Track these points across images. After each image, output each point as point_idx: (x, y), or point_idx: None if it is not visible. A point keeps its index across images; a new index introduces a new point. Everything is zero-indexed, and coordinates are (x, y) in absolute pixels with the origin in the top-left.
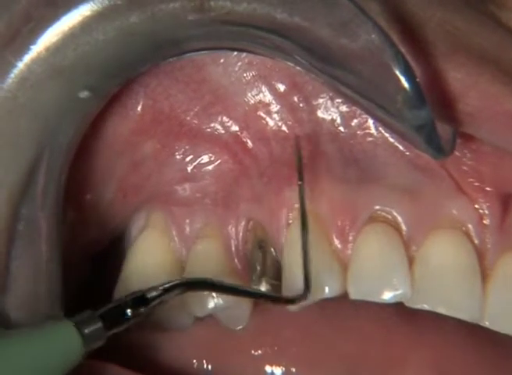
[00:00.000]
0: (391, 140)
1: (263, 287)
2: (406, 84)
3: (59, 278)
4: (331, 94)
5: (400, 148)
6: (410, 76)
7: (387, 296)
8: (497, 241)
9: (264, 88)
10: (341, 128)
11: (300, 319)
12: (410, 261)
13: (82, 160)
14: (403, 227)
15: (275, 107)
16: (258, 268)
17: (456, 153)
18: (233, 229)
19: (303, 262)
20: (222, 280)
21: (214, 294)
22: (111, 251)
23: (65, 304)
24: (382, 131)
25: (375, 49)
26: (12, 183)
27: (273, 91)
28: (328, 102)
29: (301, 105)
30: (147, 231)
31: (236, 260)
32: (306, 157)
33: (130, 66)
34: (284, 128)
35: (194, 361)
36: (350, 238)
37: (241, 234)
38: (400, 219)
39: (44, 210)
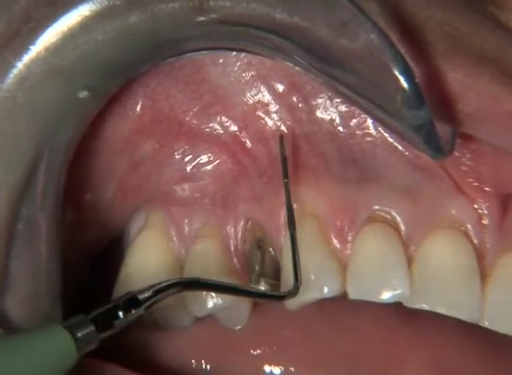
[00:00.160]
0: (390, 140)
1: (262, 287)
2: (405, 84)
3: (59, 278)
4: (330, 94)
5: (399, 148)
6: (409, 76)
7: (386, 296)
8: (496, 241)
9: (263, 88)
10: (340, 128)
11: (299, 318)
12: (409, 261)
13: (81, 160)
14: (402, 227)
15: (274, 107)
16: (257, 268)
17: (456, 153)
18: (232, 229)
19: (292, 257)
20: (222, 280)
21: (213, 294)
22: (110, 251)
23: (65, 304)
24: (381, 131)
25: (374, 49)
26: (12, 183)
27: (272, 91)
28: (327, 102)
29: (300, 105)
30: (146, 231)
31: (235, 260)
32: (305, 157)
33: (130, 66)
34: (283, 128)
35: (193, 361)
36: (349, 238)
37: (240, 234)
38: (399, 219)
39: (43, 210)
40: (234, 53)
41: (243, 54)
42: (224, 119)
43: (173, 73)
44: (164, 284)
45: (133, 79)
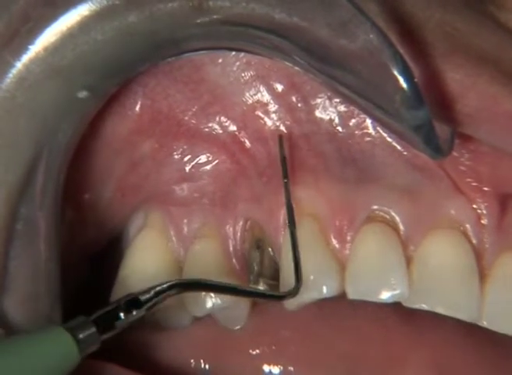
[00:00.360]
0: (389, 140)
1: (261, 287)
2: (404, 84)
3: (58, 278)
4: (329, 94)
5: (398, 147)
6: (408, 76)
7: (385, 296)
8: (495, 240)
9: (262, 88)
10: (339, 128)
11: (298, 318)
12: (408, 261)
13: (80, 160)
14: (401, 227)
15: (273, 107)
16: (256, 268)
17: (455, 153)
18: (231, 229)
19: (293, 257)
20: (221, 280)
21: (212, 295)
22: (109, 251)
23: (64, 303)
24: (380, 131)
25: (373, 49)
26: (11, 182)
27: (271, 90)
28: (327, 102)
29: (299, 104)
30: (145, 231)
31: (234, 260)
32: (304, 157)
33: (129, 65)
34: (282, 128)
35: (192, 360)
36: (348, 238)
37: (239, 234)
38: (397, 219)
39: (42, 210)
40: (233, 53)
41: (243, 54)
42: (223, 118)
43: (172, 73)
44: (166, 285)
45: (132, 78)
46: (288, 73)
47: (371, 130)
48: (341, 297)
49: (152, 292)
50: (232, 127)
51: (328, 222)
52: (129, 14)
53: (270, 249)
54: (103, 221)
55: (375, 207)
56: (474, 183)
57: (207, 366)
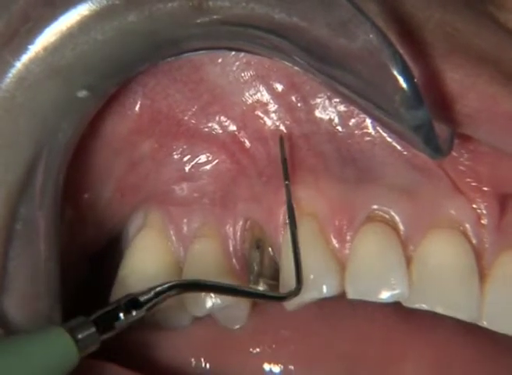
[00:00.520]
0: (389, 139)
1: (261, 287)
2: (404, 84)
3: (58, 277)
4: (329, 94)
5: (398, 147)
6: (408, 76)
7: (385, 296)
8: (495, 240)
9: (261, 88)
10: (339, 128)
11: (298, 318)
12: (408, 261)
13: (80, 159)
14: (401, 227)
15: (272, 107)
16: (256, 268)
17: (454, 153)
18: (231, 228)
19: (294, 258)
20: (221, 280)
21: (212, 295)
22: (108, 250)
23: (63, 303)
24: (380, 131)
25: (373, 49)
26: (11, 182)
27: (271, 90)
28: (326, 102)
29: (299, 104)
30: (145, 231)
31: (234, 260)
32: (304, 157)
33: (128, 65)
34: (282, 128)
35: (192, 360)
36: (348, 238)
37: (239, 234)
38: (397, 218)
39: (42, 209)
40: (233, 53)
41: (242, 54)
42: (223, 118)
43: (172, 73)
44: (165, 286)
45: (132, 78)
46: (288, 73)
47: (370, 130)
48: (341, 296)
49: (152, 293)
50: (232, 127)
51: (328, 221)
52: (128, 14)
53: (270, 249)
54: (102, 221)
55: (375, 207)
56: (473, 183)
57: (207, 366)
